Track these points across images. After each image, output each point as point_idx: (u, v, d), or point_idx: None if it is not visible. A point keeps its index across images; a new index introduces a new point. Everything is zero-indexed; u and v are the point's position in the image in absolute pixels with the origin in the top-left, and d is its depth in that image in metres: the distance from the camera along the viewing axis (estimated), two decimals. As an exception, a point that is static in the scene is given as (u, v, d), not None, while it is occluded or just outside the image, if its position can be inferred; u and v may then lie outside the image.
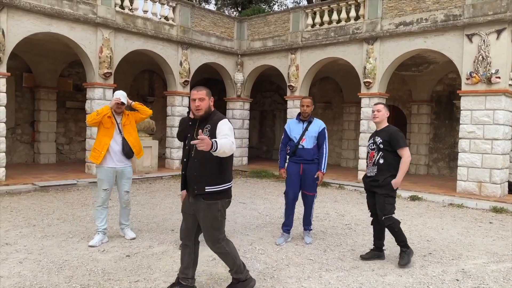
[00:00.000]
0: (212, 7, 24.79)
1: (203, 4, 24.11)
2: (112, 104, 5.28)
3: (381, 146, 4.67)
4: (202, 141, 2.90)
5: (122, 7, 11.55)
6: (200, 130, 3.22)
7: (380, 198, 4.70)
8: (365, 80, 11.39)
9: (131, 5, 11.78)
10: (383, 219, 4.69)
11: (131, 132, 5.47)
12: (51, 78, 13.53)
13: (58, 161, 14.02)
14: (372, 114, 4.82)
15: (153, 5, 12.36)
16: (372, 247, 5.15)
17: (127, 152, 5.34)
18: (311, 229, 5.92)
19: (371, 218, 5.11)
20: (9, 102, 12.80)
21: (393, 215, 4.73)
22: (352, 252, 5.37)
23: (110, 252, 5.08)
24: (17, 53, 12.52)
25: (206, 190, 3.42)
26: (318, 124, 5.60)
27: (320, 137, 5.55)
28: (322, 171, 5.56)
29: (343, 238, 6.09)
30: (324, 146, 5.57)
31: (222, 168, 3.46)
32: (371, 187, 4.81)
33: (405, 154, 4.63)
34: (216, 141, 3.04)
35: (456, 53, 9.96)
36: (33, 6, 9.58)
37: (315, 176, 5.55)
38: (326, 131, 5.64)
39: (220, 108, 18.37)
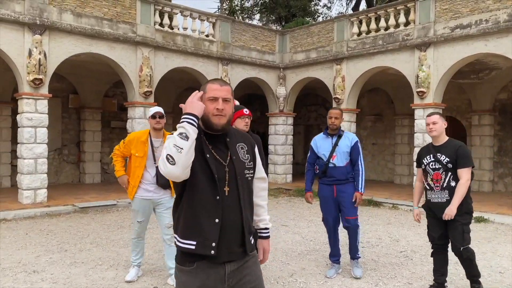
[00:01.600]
0: (255, 22, 24.72)
1: (247, 20, 24.05)
2: (150, 122, 4.48)
3: (449, 165, 3.93)
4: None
5: (161, 25, 11.47)
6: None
7: (458, 227, 3.95)
8: (418, 89, 10.47)
9: (171, 23, 11.67)
10: (461, 250, 3.95)
11: None
12: (95, 98, 13.71)
13: (103, 181, 14.09)
14: (427, 127, 4.07)
15: (193, 22, 12.21)
16: (432, 283, 4.40)
17: (163, 184, 4.48)
18: (359, 257, 5.11)
19: (431, 249, 4.36)
20: (56, 123, 13.12)
21: (470, 246, 4.03)
22: (409, 286, 4.59)
23: (138, 282, 4.67)
24: (63, 75, 12.83)
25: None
26: (349, 138, 4.89)
27: (353, 152, 4.82)
28: (360, 191, 4.78)
29: (398, 269, 5.31)
30: (359, 162, 4.82)
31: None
32: (442, 214, 4.00)
33: (467, 176, 3.88)
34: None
35: (523, 55, 8.86)
36: (74, 27, 9.65)
37: (353, 200, 4.80)
38: (359, 145, 4.91)
39: (263, 124, 17.98)
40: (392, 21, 11.42)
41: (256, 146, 2.33)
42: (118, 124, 14.52)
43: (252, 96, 17.34)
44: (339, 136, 4.91)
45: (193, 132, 1.93)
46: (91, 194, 10.89)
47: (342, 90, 12.32)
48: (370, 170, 16.17)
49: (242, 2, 24.14)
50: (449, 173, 3.94)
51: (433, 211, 4.09)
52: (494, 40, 9.28)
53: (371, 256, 5.88)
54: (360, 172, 4.80)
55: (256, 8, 24.63)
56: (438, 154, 3.99)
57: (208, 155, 2.05)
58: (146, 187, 4.46)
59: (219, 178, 2.03)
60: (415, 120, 10.78)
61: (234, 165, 2.08)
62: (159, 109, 4.43)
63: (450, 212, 3.86)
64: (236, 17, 19.79)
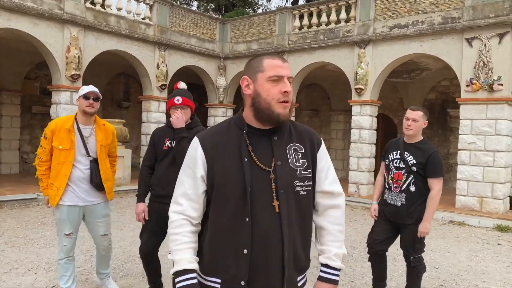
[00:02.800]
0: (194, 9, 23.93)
1: (185, 6, 23.19)
2: (80, 103, 3.44)
3: (414, 168, 3.50)
4: None
5: (93, 3, 10.56)
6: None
7: (409, 234, 3.58)
8: (357, 86, 10.63)
9: (103, 2, 10.79)
10: (412, 259, 3.64)
11: (105, 159, 3.61)
12: (15, 80, 12.37)
13: (21, 171, 12.81)
14: (406, 122, 3.54)
15: (128, 3, 11.40)
16: None
17: (98, 184, 3.51)
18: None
19: (368, 253, 3.90)
20: (-33, 106, 11.67)
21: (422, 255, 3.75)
22: (352, 285, 4.52)
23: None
24: (-24, 52, 11.42)
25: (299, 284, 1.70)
26: None
27: None
28: None
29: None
30: None
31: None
32: (396, 218, 3.63)
33: (438, 186, 3.48)
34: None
35: (455, 58, 9.28)
36: (-11, -2, 8.53)
37: None
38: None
39: (202, 115, 17.48)
40: (333, 16, 11.48)
41: (321, 146, 1.71)
42: (40, 109, 13.24)
43: (191, 85, 16.64)
44: None
45: None
46: (7, 186, 9.79)
47: (282, 84, 12.18)
48: (305, 164, 16.33)
49: (181, -13, 23.26)
50: (411, 176, 3.51)
51: (384, 212, 3.70)
52: (429, 41, 9.62)
53: (312, 253, 5.76)
54: None
55: (195, -5, 23.86)
56: (405, 153, 3.56)
57: (246, 159, 1.55)
58: (75, 189, 3.47)
59: (255, 192, 1.53)
60: (352, 117, 10.95)
61: (276, 174, 1.56)
62: (94, 89, 3.49)
63: (425, 229, 3.46)
64: (175, 2, 18.97)
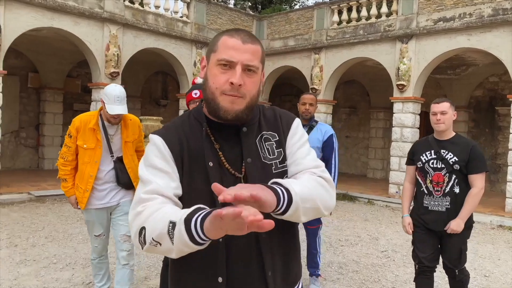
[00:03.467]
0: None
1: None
2: (104, 111, 3.19)
3: (457, 166, 3.11)
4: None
5: (131, 1, 10.68)
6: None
7: (456, 245, 3.17)
8: (399, 82, 10.21)
9: (142, 0, 10.90)
10: (457, 272, 3.22)
11: (133, 156, 3.42)
12: (57, 78, 12.75)
13: (64, 167, 13.19)
14: (434, 117, 3.16)
15: (166, 0, 11.46)
16: None
17: (125, 184, 3.35)
18: (319, 274, 4.30)
19: (416, 270, 3.36)
20: (13, 104, 12.14)
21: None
22: (396, 294, 4.27)
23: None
24: (22, 51, 11.85)
25: None
26: (322, 130, 3.97)
27: (326, 148, 3.92)
28: None
29: (381, 271, 4.98)
30: (333, 162, 3.91)
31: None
32: (440, 226, 3.15)
33: (481, 184, 3.11)
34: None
35: (506, 52, 8.70)
36: (34, -2, 8.77)
37: None
38: (335, 139, 3.99)
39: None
40: (374, 10, 11.08)
41: (293, 123, 1.35)
42: (81, 106, 13.58)
43: (225, 83, 16.74)
44: (311, 128, 4.01)
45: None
46: (50, 181, 10.08)
47: (319, 81, 11.93)
48: (343, 163, 15.96)
49: (218, -15, 23.31)
50: (453, 176, 3.12)
51: (425, 222, 3.21)
52: (477, 34, 9.08)
53: (352, 256, 5.53)
54: (333, 173, 3.89)
55: (232, -8, 23.87)
56: (442, 151, 3.15)
57: (211, 163, 1.22)
58: (101, 190, 3.31)
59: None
60: (394, 114, 10.54)
61: (247, 177, 1.23)
62: (119, 93, 3.14)
63: (457, 227, 3.07)
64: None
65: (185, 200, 1.21)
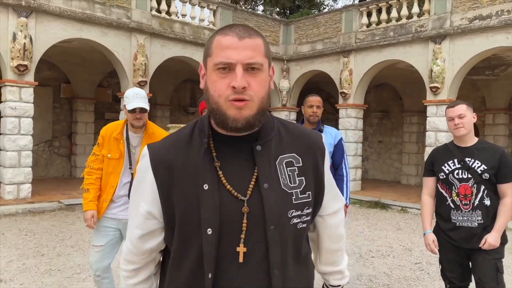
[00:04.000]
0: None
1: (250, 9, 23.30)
2: (127, 115, 3.15)
3: (486, 175, 2.74)
4: None
5: (158, 10, 10.77)
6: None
7: (490, 263, 2.77)
8: (432, 85, 9.77)
9: (168, 9, 10.98)
10: None
11: None
12: (89, 88, 13.03)
13: (96, 175, 13.44)
14: (451, 122, 2.83)
15: (192, 8, 11.49)
16: None
17: None
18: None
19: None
20: (47, 114, 12.48)
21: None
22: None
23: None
24: (54, 62, 12.18)
25: None
26: (332, 134, 3.70)
27: (336, 152, 3.67)
28: (345, 203, 3.65)
29: (414, 285, 4.68)
30: (344, 166, 3.68)
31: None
32: (472, 243, 2.79)
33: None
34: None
35: (549, 49, 8.16)
36: (63, 10, 8.96)
37: None
38: (344, 143, 3.76)
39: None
40: (404, 11, 10.70)
41: (325, 154, 1.20)
42: (112, 115, 13.83)
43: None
44: (319, 132, 3.85)
45: None
46: (80, 189, 10.24)
47: (349, 84, 11.62)
48: (375, 169, 15.52)
49: (246, -8, 23.38)
50: (482, 187, 2.75)
51: (452, 239, 2.85)
52: (517, 32, 8.58)
53: (383, 269, 5.24)
54: (345, 178, 3.67)
55: (259, -1, 23.88)
56: (468, 159, 2.80)
57: (206, 186, 1.05)
58: (116, 200, 3.19)
59: (224, 234, 1.04)
60: (427, 118, 10.09)
61: (262, 201, 1.05)
62: (140, 102, 3.05)
63: (496, 241, 2.69)
64: (239, 5, 19.05)
65: (177, 233, 1.08)
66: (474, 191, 2.76)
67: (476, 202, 2.76)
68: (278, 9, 23.14)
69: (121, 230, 3.27)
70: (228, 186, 1.06)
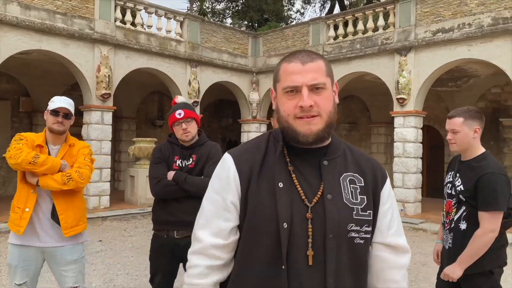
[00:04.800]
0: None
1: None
2: (47, 118, 2.78)
3: (461, 197, 2.50)
4: None
5: (123, 21, 10.47)
6: None
7: None
8: (399, 96, 9.90)
9: (134, 20, 10.71)
10: None
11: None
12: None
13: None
14: (448, 136, 2.63)
15: (159, 20, 11.27)
16: None
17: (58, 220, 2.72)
18: None
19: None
20: (5, 128, 11.87)
21: None
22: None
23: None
24: (13, 75, 11.66)
25: None
26: None
27: None
28: None
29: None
30: None
31: None
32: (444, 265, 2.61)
33: (490, 226, 2.36)
34: None
35: (509, 62, 8.41)
36: (21, 20, 8.54)
37: None
38: None
39: (236, 131, 17.15)
40: (370, 24, 10.86)
41: (386, 181, 1.30)
42: (74, 130, 13.25)
43: (224, 101, 16.50)
44: None
45: None
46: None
47: (317, 96, 11.62)
48: (345, 180, 15.58)
49: (213, 4, 23.33)
50: (463, 208, 2.50)
51: (443, 258, 2.68)
52: (477, 45, 8.81)
53: None
54: None
55: (228, 11, 23.87)
56: (457, 174, 2.58)
57: (281, 184, 1.19)
58: (35, 224, 2.69)
59: (294, 232, 1.16)
60: (395, 129, 10.20)
61: (325, 211, 1.17)
62: (66, 104, 2.75)
63: (452, 273, 2.44)
64: (207, 17, 18.98)
65: (249, 225, 1.20)
66: (454, 210, 2.55)
67: (453, 224, 2.55)
68: (246, 22, 23.20)
69: (46, 259, 2.78)
70: (299, 188, 1.19)
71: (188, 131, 2.90)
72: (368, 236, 1.22)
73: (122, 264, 5.84)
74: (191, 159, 2.91)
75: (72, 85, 12.65)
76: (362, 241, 1.20)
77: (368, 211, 1.22)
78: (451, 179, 2.63)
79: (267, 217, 1.16)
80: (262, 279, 1.16)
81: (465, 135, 2.50)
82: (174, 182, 2.80)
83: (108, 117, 10.01)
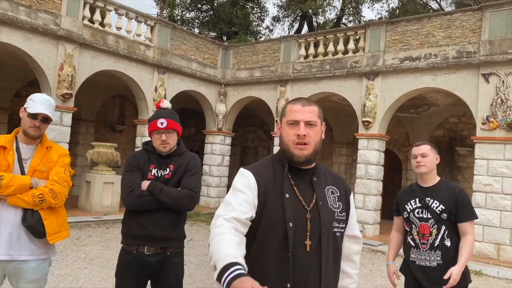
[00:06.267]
0: (195, 36, 23.68)
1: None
2: (24, 120, 2.55)
3: (444, 216, 2.83)
4: None
5: (91, 20, 10.08)
6: None
7: None
8: (364, 119, 10.09)
9: (103, 20, 10.33)
10: None
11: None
12: (4, 97, 11.79)
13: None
14: (414, 160, 3.00)
15: (129, 22, 10.95)
16: None
17: (32, 227, 2.44)
18: None
19: None
20: (-50, 123, 11.00)
21: None
22: None
23: None
24: (-35, 66, 10.86)
25: None
26: None
27: None
28: None
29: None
30: None
31: None
32: (433, 283, 2.80)
33: (472, 231, 2.85)
34: None
35: (470, 94, 8.80)
36: (-20, 9, 8.00)
37: None
38: None
39: (198, 142, 16.86)
40: (341, 46, 11.08)
41: (351, 193, 1.85)
42: (29, 129, 12.60)
43: (188, 110, 16.22)
44: None
45: None
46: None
47: (285, 113, 11.65)
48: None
49: (183, 12, 23.11)
50: (443, 227, 2.82)
51: (415, 276, 2.91)
52: (442, 75, 9.17)
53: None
54: None
55: (197, 21, 23.72)
56: (427, 199, 2.89)
57: (287, 195, 1.65)
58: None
59: (297, 228, 1.62)
60: (359, 150, 10.37)
61: (319, 213, 1.66)
62: (45, 109, 2.55)
63: (455, 276, 2.66)
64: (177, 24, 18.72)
65: (265, 223, 1.61)
66: (434, 231, 2.84)
67: (437, 243, 2.82)
68: (215, 33, 23.12)
69: (7, 273, 2.49)
70: (300, 197, 1.66)
71: (167, 142, 2.72)
72: (343, 230, 1.74)
73: (75, 276, 5.45)
74: (168, 169, 2.72)
75: (29, 82, 12.01)
76: (339, 234, 1.71)
77: (343, 213, 1.73)
78: (419, 204, 2.93)
79: (278, 218, 1.60)
80: (274, 262, 1.58)
81: (432, 159, 2.95)
82: (149, 193, 2.60)
83: (68, 118, 9.51)
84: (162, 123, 2.71)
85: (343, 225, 1.72)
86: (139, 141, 11.57)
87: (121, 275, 2.70)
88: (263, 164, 1.77)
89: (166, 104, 2.87)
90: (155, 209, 2.62)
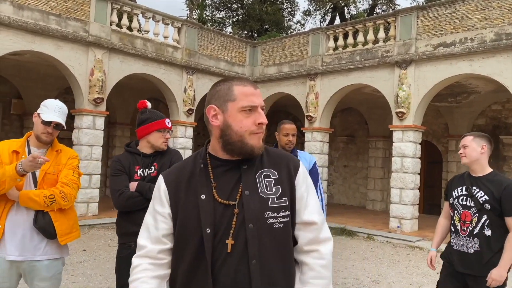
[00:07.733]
0: (227, 36, 23.79)
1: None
2: (37, 125, 2.60)
3: (487, 206, 2.85)
4: None
5: (119, 25, 10.28)
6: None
7: None
8: (398, 110, 9.70)
9: (130, 24, 10.51)
10: None
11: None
12: (42, 105, 12.23)
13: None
14: (460, 151, 3.08)
15: (156, 25, 11.09)
16: None
17: (43, 228, 2.50)
18: None
19: None
20: (-6, 131, 11.58)
21: None
22: None
23: None
24: (5, 76, 11.40)
25: None
26: (306, 159, 3.65)
27: (312, 175, 3.41)
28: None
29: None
30: (318, 190, 3.51)
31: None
32: (466, 268, 2.88)
33: None
34: None
35: (510, 78, 8.23)
36: (13, 20, 8.33)
37: None
38: (318, 167, 3.73)
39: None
40: (370, 36, 10.70)
41: (299, 170, 1.49)
42: (66, 134, 12.92)
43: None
44: None
45: None
46: None
47: (315, 108, 11.43)
48: (341, 194, 15.33)
49: (214, 13, 23.25)
50: (484, 217, 2.85)
51: (451, 262, 2.97)
52: (479, 60, 8.64)
53: (350, 306, 4.84)
54: (321, 201, 3.51)
55: (228, 20, 23.79)
56: (473, 188, 2.93)
57: (203, 196, 1.41)
58: (11, 234, 2.48)
59: (219, 233, 1.38)
60: (394, 143, 9.98)
61: (243, 205, 1.39)
62: (58, 117, 2.59)
63: (498, 277, 2.70)
64: (206, 25, 18.85)
65: (179, 232, 1.42)
66: (475, 219, 2.89)
67: (476, 231, 2.87)
68: (246, 31, 23.11)
69: (22, 274, 2.56)
70: (216, 196, 1.40)
71: (168, 141, 2.93)
72: (287, 219, 1.41)
73: (104, 276, 5.54)
74: (153, 167, 2.85)
75: (66, 89, 12.40)
76: (281, 225, 1.40)
77: (283, 198, 1.42)
78: (465, 192, 2.97)
79: (192, 226, 1.38)
80: (190, 271, 1.38)
81: (474, 150, 2.94)
82: (138, 193, 2.71)
83: (100, 122, 9.75)
84: (168, 122, 2.91)
85: (286, 213, 1.41)
86: (171, 142, 11.69)
87: (120, 271, 2.77)
88: (183, 162, 1.54)
89: (149, 104, 3.01)
90: (147, 207, 2.64)
